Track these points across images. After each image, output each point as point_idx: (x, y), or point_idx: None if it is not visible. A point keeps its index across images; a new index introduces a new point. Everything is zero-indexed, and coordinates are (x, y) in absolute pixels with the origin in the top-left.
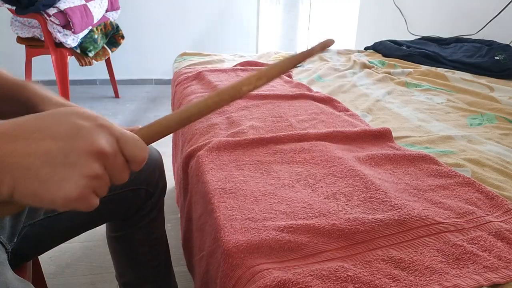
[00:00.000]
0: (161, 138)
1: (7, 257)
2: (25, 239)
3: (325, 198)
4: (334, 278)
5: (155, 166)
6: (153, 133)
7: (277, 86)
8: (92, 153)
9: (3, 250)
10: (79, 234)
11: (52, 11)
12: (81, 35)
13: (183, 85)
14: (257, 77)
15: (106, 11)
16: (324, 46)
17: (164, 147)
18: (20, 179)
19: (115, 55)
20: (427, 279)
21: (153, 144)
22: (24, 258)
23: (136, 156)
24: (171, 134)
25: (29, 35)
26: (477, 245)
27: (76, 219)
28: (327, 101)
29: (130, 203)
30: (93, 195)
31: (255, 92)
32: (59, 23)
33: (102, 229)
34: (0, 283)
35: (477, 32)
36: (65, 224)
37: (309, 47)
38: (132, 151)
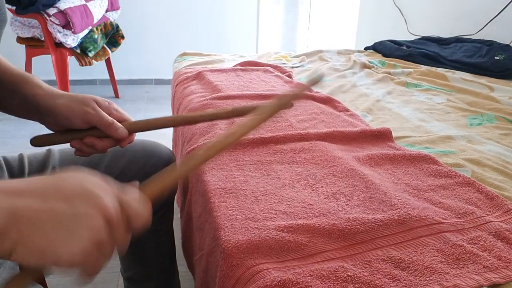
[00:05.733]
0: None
1: None
2: None
3: (325, 198)
4: (334, 278)
5: (168, 165)
6: (158, 192)
7: (277, 86)
8: (99, 212)
9: None
10: None
11: (52, 11)
12: (81, 35)
13: (183, 85)
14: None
15: (106, 11)
16: (311, 83)
17: None
18: (26, 233)
19: (115, 55)
20: (427, 279)
21: (162, 142)
22: None
23: (137, 221)
24: (171, 135)
25: (29, 35)
26: (477, 245)
27: None
28: (327, 101)
29: None
30: (98, 253)
31: (255, 92)
32: (59, 23)
33: None
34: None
35: (477, 32)
36: None
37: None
38: (134, 216)
